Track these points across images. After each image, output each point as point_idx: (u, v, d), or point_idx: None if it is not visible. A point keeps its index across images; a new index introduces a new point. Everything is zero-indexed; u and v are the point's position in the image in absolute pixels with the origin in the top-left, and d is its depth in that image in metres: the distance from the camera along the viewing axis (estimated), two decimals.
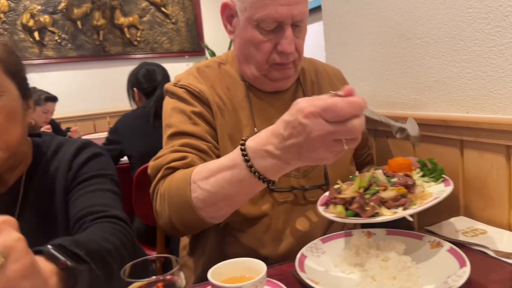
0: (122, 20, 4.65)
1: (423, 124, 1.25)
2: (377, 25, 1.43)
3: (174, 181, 0.93)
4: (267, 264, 0.75)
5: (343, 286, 0.82)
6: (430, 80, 1.26)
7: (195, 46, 5.06)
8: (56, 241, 0.61)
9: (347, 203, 0.89)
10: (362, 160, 1.36)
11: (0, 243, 0.45)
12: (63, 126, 3.89)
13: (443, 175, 0.99)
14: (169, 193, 0.93)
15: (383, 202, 0.86)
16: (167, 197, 0.93)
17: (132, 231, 0.87)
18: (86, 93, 4.54)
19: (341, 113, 0.67)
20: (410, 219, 0.84)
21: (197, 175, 0.88)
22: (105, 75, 4.65)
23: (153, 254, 0.79)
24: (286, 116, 0.73)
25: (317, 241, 0.98)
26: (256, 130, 1.09)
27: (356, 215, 0.87)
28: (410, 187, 0.90)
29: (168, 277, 0.65)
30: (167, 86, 1.14)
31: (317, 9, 2.00)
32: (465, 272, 0.75)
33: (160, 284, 0.65)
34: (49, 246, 0.59)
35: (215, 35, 5.01)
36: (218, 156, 1.03)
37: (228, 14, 1.13)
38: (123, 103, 4.38)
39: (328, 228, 1.13)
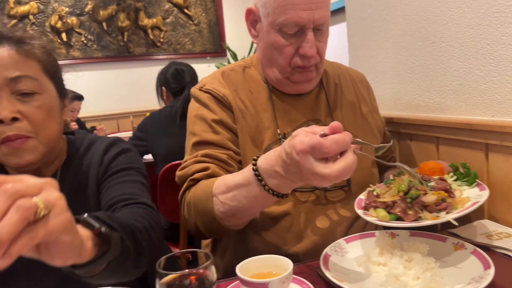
0: (146, 21, 4.75)
1: (447, 127, 1.26)
2: (402, 28, 1.44)
3: (197, 193, 1.01)
4: None
5: (367, 284, 0.84)
6: (455, 84, 1.26)
7: (216, 47, 5.12)
8: (91, 214, 0.65)
9: (388, 207, 0.90)
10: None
11: (44, 198, 0.49)
12: (88, 125, 3.99)
13: (477, 180, 1.00)
14: (194, 203, 1.01)
15: (424, 206, 0.87)
16: (192, 207, 1.02)
17: (160, 218, 0.92)
18: (110, 93, 4.65)
19: (327, 152, 0.71)
20: (455, 223, 0.84)
21: (217, 189, 0.96)
22: (129, 75, 4.74)
23: (176, 251, 0.82)
24: (286, 146, 0.77)
25: (340, 241, 1.00)
26: (279, 131, 1.12)
27: (398, 219, 0.88)
28: (450, 191, 0.91)
29: (201, 271, 0.68)
30: (193, 90, 1.19)
31: (341, 10, 2.01)
32: (489, 274, 0.76)
33: (193, 277, 0.69)
34: (85, 215, 0.63)
35: (237, 37, 5.06)
36: (239, 162, 1.09)
37: (252, 19, 1.16)
38: (146, 103, 4.47)
39: (350, 228, 1.14)
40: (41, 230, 0.48)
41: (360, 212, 0.95)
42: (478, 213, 1.17)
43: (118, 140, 1.07)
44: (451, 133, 1.22)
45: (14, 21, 4.21)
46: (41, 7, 4.33)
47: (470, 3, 1.17)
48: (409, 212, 0.86)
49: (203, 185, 1.01)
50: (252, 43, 4.71)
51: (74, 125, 3.38)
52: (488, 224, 1.09)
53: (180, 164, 1.11)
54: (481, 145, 1.16)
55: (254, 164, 0.86)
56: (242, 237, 1.13)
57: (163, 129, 2.40)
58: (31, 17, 4.28)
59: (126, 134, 3.47)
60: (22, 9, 4.24)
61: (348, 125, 1.21)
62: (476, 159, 1.17)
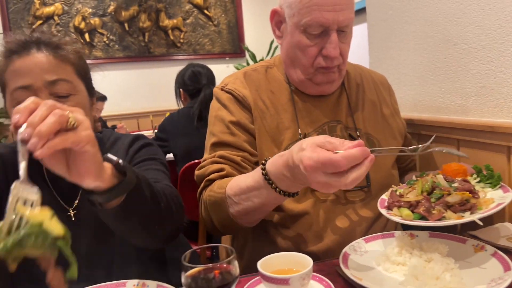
0: (166, 22, 4.82)
1: (468, 129, 1.26)
2: (423, 30, 1.44)
3: (212, 193, 1.07)
4: None
5: (386, 283, 0.85)
6: (477, 86, 1.26)
7: (235, 48, 5.15)
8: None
9: (412, 207, 0.91)
10: (405, 165, 1.37)
11: (75, 115, 0.63)
12: (109, 124, 4.07)
13: (501, 182, 1.00)
14: (210, 203, 1.07)
15: (448, 206, 0.88)
16: (209, 206, 1.08)
17: (180, 197, 0.98)
18: (130, 93, 4.73)
19: (339, 168, 0.73)
20: (480, 223, 0.85)
21: (230, 190, 1.01)
22: (149, 75, 4.82)
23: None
24: (294, 156, 0.80)
25: (360, 240, 1.01)
26: (300, 131, 1.14)
27: (422, 218, 0.88)
28: (474, 192, 0.91)
29: (224, 265, 0.71)
30: (215, 89, 1.24)
31: (362, 11, 2.01)
32: (510, 276, 0.76)
33: (217, 272, 0.71)
34: (108, 154, 0.74)
35: (256, 37, 5.08)
36: (255, 163, 1.13)
37: (277, 20, 1.18)
38: (166, 103, 4.54)
39: (370, 229, 1.15)
40: (70, 136, 0.61)
41: (383, 211, 0.96)
42: (499, 216, 1.17)
43: (142, 136, 1.14)
44: (473, 136, 1.22)
45: (39, 22, 4.33)
46: (66, 8, 4.44)
47: (493, 5, 1.17)
48: (433, 212, 0.86)
49: (217, 185, 1.06)
50: (271, 44, 4.73)
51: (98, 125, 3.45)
52: (509, 227, 1.09)
53: (199, 163, 1.16)
54: (503, 148, 1.15)
55: (263, 169, 0.91)
56: (261, 236, 1.15)
57: (181, 130, 2.47)
58: (55, 17, 4.40)
59: (146, 133, 3.53)
60: (48, 10, 4.36)
61: (369, 125, 1.22)
62: (498, 161, 1.17)
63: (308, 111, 1.18)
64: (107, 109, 4.15)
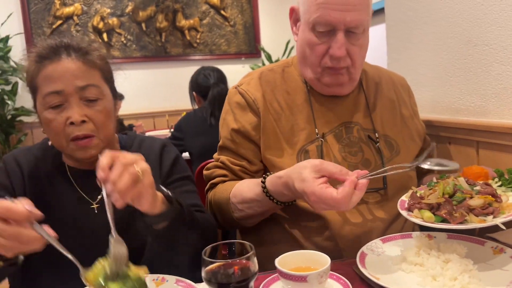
0: (183, 22, 4.86)
1: (488, 131, 1.24)
2: (443, 31, 1.43)
3: (217, 196, 1.16)
4: None
5: (404, 283, 0.85)
6: (497, 87, 1.25)
7: (251, 49, 5.16)
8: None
9: (433, 209, 0.89)
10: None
11: (140, 167, 0.78)
12: (125, 123, 4.11)
13: None
14: (215, 205, 1.17)
15: (470, 210, 0.86)
16: (214, 207, 1.18)
17: (215, 227, 1.13)
18: (147, 92, 4.78)
19: (338, 207, 0.87)
20: (503, 227, 0.84)
21: (234, 197, 1.10)
22: (166, 75, 4.86)
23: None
24: (296, 184, 0.92)
25: (377, 240, 1.01)
26: (317, 131, 1.14)
27: (443, 221, 0.87)
28: (497, 196, 0.89)
29: (244, 261, 0.72)
30: (230, 88, 1.26)
31: (380, 11, 1.99)
32: None
33: (236, 267, 0.72)
34: (160, 185, 0.89)
35: (272, 38, 5.09)
36: (255, 172, 1.19)
37: (295, 18, 1.19)
38: (181, 102, 4.57)
39: (386, 230, 1.15)
40: (139, 186, 0.77)
41: (404, 212, 0.94)
42: None
43: (168, 142, 1.23)
44: (492, 137, 1.21)
45: (59, 22, 4.40)
46: (85, 8, 4.51)
47: None
48: (455, 215, 0.85)
49: (221, 190, 1.16)
50: (287, 44, 4.73)
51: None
52: None
53: None
54: None
55: (264, 187, 1.01)
56: (276, 235, 1.16)
57: (197, 129, 2.56)
58: (75, 18, 4.47)
59: (162, 132, 3.57)
60: (67, 10, 4.44)
61: (387, 127, 1.21)
62: None
63: (324, 112, 1.18)
64: (124, 108, 4.17)
